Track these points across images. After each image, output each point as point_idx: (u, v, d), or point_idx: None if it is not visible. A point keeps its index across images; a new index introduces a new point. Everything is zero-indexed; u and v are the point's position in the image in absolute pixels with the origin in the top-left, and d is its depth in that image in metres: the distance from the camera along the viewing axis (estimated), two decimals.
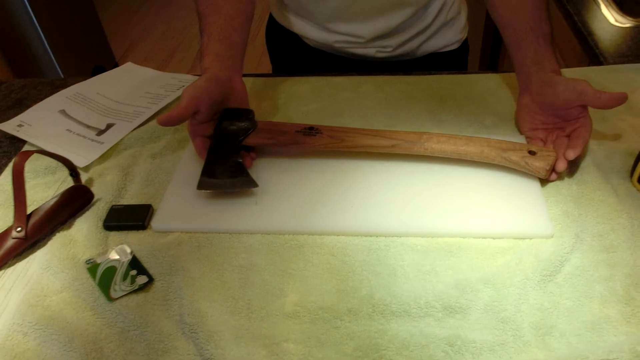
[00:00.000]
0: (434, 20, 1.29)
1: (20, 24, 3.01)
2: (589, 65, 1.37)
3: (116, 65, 3.73)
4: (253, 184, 0.93)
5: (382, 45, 1.31)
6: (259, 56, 3.71)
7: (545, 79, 0.98)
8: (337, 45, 1.31)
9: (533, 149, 0.92)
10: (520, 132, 1.04)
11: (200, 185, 0.92)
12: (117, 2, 5.01)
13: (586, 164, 0.96)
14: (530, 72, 1.01)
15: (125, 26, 4.62)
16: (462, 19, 1.38)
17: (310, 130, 0.98)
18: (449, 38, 1.36)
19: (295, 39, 1.39)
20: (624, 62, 1.27)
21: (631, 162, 0.95)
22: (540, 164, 0.91)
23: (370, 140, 0.97)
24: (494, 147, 0.93)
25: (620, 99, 0.92)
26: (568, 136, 0.97)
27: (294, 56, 1.44)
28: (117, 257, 0.85)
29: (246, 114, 1.00)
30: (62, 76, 3.17)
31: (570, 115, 0.96)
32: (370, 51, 1.32)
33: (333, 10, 1.24)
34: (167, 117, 0.92)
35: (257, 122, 0.99)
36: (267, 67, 1.58)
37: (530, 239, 0.85)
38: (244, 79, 1.06)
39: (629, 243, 0.83)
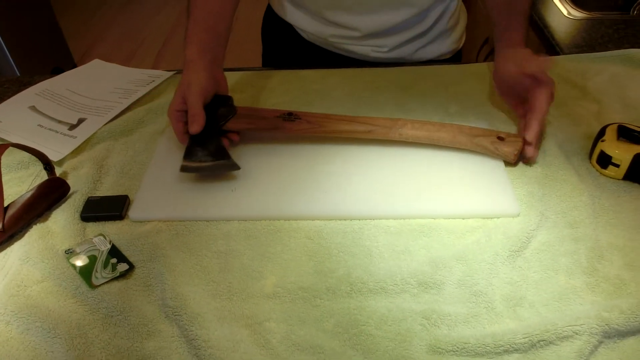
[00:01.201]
0: (433, 25, 1.28)
1: None
2: (545, 55, 1.42)
3: (75, 66, 3.69)
4: (235, 166, 0.95)
5: (377, 45, 1.30)
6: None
7: (502, 52, 1.04)
8: (332, 39, 1.30)
9: (502, 134, 0.96)
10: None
11: (183, 169, 0.94)
12: (75, 3, 4.96)
13: (549, 147, 1.00)
14: (497, 45, 1.07)
15: (83, 27, 4.56)
16: (460, 29, 1.38)
17: (290, 116, 1.01)
18: (445, 47, 1.36)
19: (291, 31, 1.37)
20: (579, 52, 1.32)
21: (590, 144, 1.00)
22: (508, 149, 0.95)
23: (347, 126, 1.00)
24: (465, 134, 0.97)
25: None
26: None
27: (287, 49, 1.42)
28: (96, 246, 0.86)
29: (226, 99, 1.02)
30: None
31: (522, 86, 1.01)
32: (364, 49, 1.31)
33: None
34: (198, 127, 0.95)
35: (236, 108, 1.01)
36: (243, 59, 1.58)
37: (498, 218, 0.89)
38: None
39: (591, 219, 0.87)
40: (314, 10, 1.28)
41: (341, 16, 1.25)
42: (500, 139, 0.96)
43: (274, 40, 1.47)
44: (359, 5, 1.22)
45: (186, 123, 0.97)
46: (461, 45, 1.42)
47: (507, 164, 0.97)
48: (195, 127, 0.94)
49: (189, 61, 1.00)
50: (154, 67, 3.60)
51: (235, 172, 0.97)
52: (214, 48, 1.04)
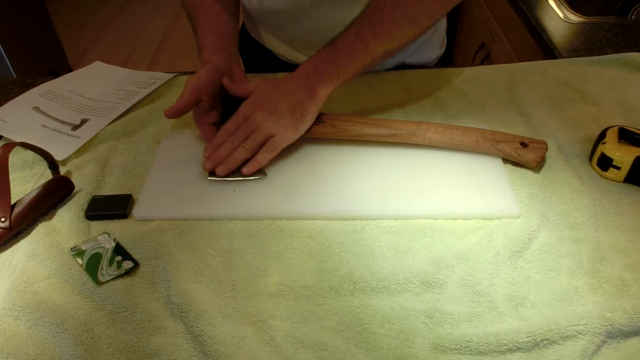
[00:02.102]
0: None
1: None
2: (543, 59, 1.43)
3: (70, 69, 3.70)
4: (262, 173, 0.97)
5: None
6: None
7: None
8: None
9: (525, 140, 0.97)
10: None
11: (211, 174, 0.96)
12: (70, 7, 4.96)
13: (549, 150, 1.01)
14: None
15: (78, 31, 4.58)
16: (441, 34, 1.37)
17: (316, 119, 1.01)
18: (429, 54, 1.35)
19: (268, 53, 1.37)
20: (577, 56, 1.33)
21: (589, 147, 1.01)
22: (531, 156, 0.96)
23: (371, 130, 1.01)
24: (488, 139, 0.98)
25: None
26: None
27: (267, 68, 1.38)
28: (101, 244, 0.86)
29: None
30: None
31: None
32: None
33: (295, 39, 1.25)
34: (173, 110, 0.97)
35: None
36: None
37: (499, 219, 0.89)
38: None
39: (592, 221, 0.88)
40: (287, 42, 1.29)
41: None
42: (524, 145, 0.97)
43: (251, 60, 1.45)
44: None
45: (210, 125, 1.00)
46: (443, 51, 1.40)
47: (505, 163, 0.98)
48: (170, 112, 0.97)
49: (205, 63, 1.02)
50: (150, 71, 3.61)
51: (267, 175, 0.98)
52: (226, 48, 1.05)
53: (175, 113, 0.97)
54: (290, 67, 1.33)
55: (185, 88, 0.97)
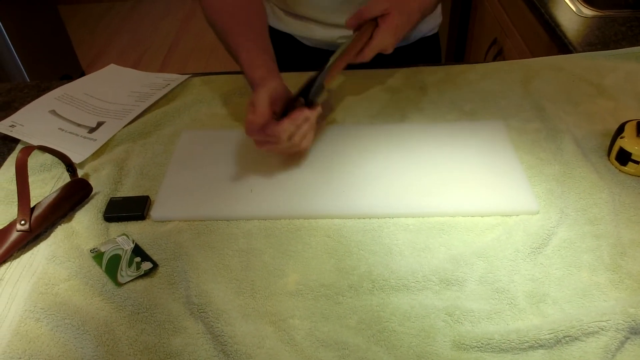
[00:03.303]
0: None
1: None
2: (557, 54, 1.42)
3: (83, 74, 3.72)
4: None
5: None
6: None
7: None
8: (340, 41, 1.30)
9: None
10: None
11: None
12: (80, 12, 4.99)
13: (566, 145, 1.00)
14: None
15: (89, 36, 4.60)
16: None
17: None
18: (432, 22, 1.39)
19: (290, 41, 1.38)
20: (592, 51, 1.32)
21: (607, 142, 1.00)
22: None
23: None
24: None
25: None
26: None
27: (288, 58, 1.38)
28: (120, 245, 0.87)
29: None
30: None
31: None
32: None
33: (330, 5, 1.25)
34: (256, 125, 0.93)
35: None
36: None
37: (517, 215, 0.89)
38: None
39: (612, 216, 0.87)
40: (317, 18, 1.29)
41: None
42: None
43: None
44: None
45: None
46: (441, 18, 1.45)
47: (523, 160, 0.98)
48: (250, 117, 0.92)
49: (261, 79, 0.99)
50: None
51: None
52: (275, 65, 1.04)
53: (258, 127, 0.93)
54: (313, 51, 1.36)
55: (258, 104, 0.93)
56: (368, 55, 1.05)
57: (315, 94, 0.98)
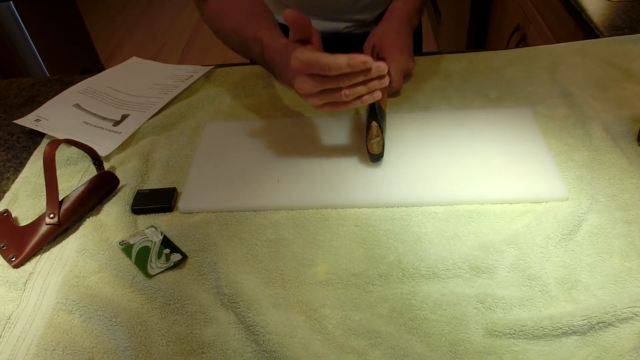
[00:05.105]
0: None
1: (7, 29, 3.01)
2: (583, 39, 1.41)
3: (102, 68, 3.74)
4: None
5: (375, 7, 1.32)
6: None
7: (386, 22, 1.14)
8: (346, 30, 1.31)
9: None
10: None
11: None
12: (99, 6, 5.01)
13: (595, 130, 0.99)
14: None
15: (108, 29, 4.63)
16: None
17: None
18: None
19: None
20: (619, 35, 1.30)
21: (637, 127, 0.99)
22: None
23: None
24: None
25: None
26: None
27: None
28: (148, 237, 0.87)
29: None
30: None
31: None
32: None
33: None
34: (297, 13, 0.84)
35: None
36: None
37: (547, 202, 0.88)
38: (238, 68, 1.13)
39: None
40: (321, 14, 1.29)
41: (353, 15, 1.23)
42: None
43: None
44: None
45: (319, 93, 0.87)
46: None
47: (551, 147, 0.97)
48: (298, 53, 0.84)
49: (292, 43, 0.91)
50: None
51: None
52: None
53: (299, 14, 0.84)
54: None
55: (314, 55, 0.82)
56: (395, 81, 1.09)
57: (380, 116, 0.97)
